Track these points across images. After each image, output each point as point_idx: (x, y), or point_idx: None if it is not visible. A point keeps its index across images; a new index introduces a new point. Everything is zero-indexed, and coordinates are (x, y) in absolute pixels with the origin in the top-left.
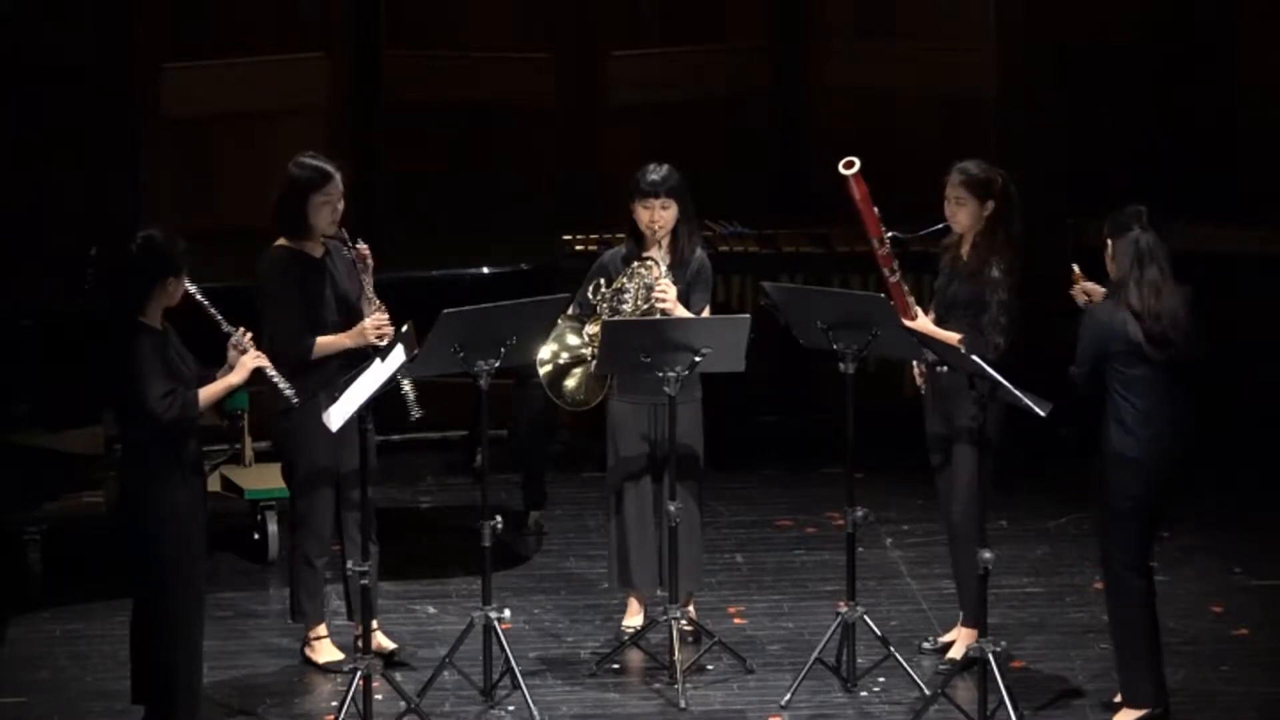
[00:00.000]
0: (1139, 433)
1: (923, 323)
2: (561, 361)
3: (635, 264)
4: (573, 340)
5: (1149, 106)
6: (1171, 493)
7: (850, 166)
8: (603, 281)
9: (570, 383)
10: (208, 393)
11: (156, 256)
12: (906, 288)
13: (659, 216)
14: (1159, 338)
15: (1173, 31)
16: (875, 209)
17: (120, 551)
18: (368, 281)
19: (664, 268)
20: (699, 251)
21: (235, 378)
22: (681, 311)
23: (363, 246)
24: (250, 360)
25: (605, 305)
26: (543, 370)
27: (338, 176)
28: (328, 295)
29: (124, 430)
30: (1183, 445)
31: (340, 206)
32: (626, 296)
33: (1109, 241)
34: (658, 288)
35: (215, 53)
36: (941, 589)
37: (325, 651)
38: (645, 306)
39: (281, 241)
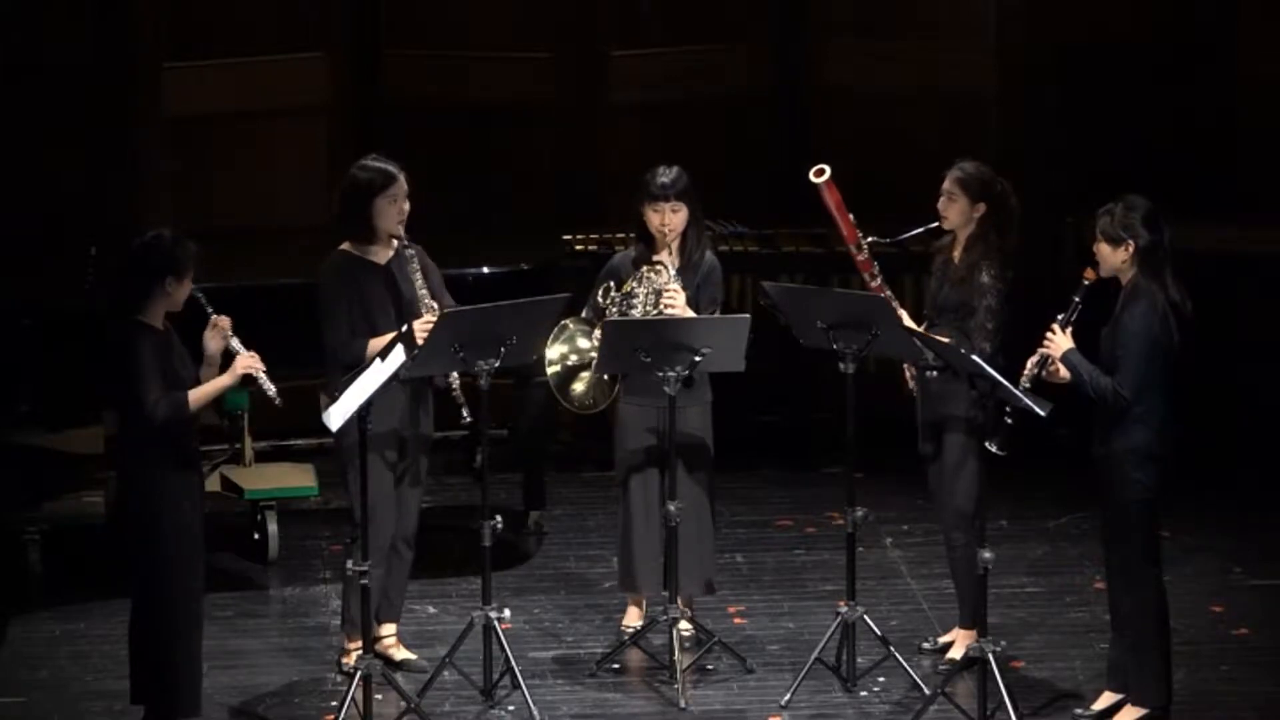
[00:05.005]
0: (1161, 428)
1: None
2: (570, 364)
3: (645, 268)
4: (583, 343)
5: (1149, 106)
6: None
7: (820, 174)
8: (612, 284)
9: (579, 386)
10: (198, 394)
11: (158, 256)
12: (889, 292)
13: (670, 219)
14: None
15: (1173, 31)
16: (850, 215)
17: (120, 551)
18: (421, 287)
19: (673, 271)
20: (709, 255)
21: (226, 380)
22: (690, 316)
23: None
24: (242, 363)
25: (615, 309)
26: (551, 371)
27: (402, 177)
28: (389, 303)
29: (123, 430)
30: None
31: (406, 207)
32: (636, 300)
33: (1131, 243)
34: (666, 293)
35: (215, 53)
36: (941, 589)
37: (397, 652)
38: (655, 311)
39: (345, 246)
